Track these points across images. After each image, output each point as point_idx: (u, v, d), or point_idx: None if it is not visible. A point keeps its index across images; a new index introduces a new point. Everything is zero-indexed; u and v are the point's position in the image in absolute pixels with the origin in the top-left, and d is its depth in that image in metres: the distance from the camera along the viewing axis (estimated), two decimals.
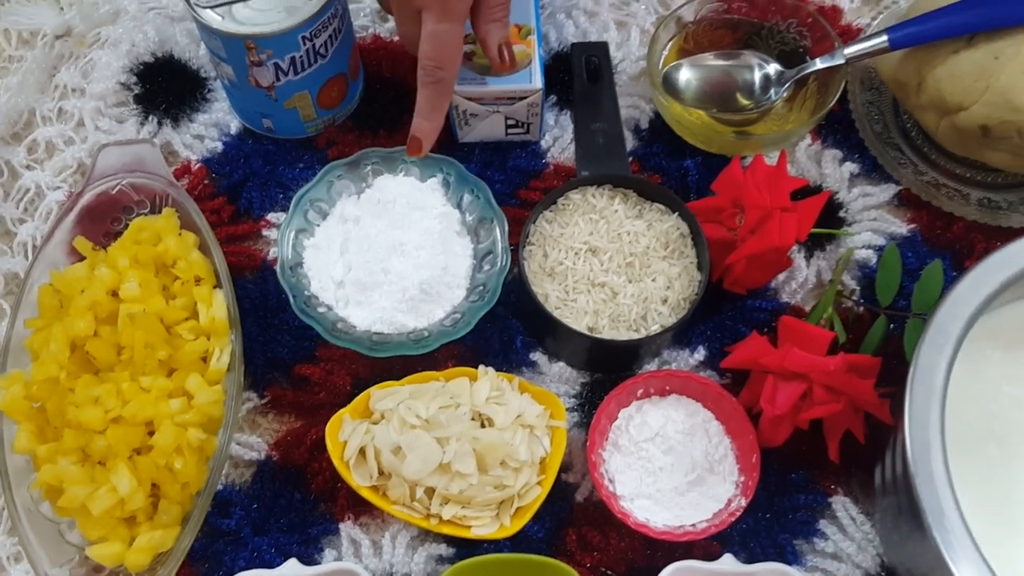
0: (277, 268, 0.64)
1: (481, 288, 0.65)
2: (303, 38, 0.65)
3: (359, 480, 0.59)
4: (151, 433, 0.59)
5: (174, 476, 0.58)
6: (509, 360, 0.66)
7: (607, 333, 0.63)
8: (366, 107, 0.75)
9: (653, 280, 0.64)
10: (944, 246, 0.69)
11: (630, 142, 0.74)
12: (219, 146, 0.73)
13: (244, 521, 0.61)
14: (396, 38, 0.78)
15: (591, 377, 0.66)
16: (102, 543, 0.57)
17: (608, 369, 0.66)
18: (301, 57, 0.66)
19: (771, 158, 0.70)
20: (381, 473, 0.59)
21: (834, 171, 0.72)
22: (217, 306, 0.62)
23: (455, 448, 0.58)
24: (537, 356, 0.66)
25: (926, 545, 0.48)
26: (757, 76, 0.72)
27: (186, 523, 0.58)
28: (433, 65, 0.62)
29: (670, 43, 0.73)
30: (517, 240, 0.65)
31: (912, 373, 0.51)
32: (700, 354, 0.66)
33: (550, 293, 0.64)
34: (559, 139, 0.73)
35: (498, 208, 0.66)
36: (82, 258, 0.66)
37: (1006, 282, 0.54)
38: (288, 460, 0.63)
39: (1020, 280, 0.55)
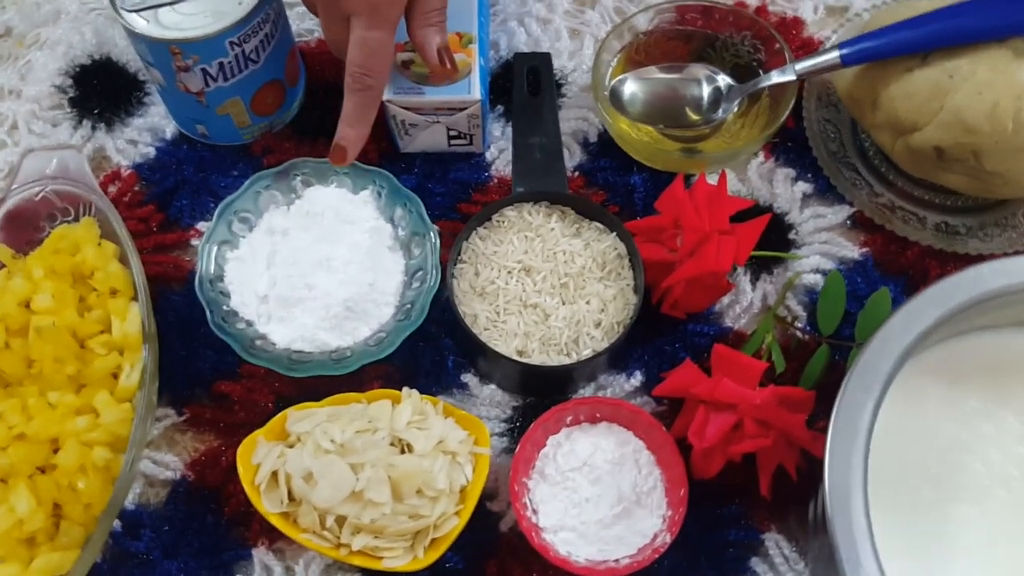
0: (196, 281, 0.62)
1: (409, 307, 0.63)
2: (231, 43, 0.62)
3: (268, 506, 0.57)
4: (56, 451, 0.57)
5: (77, 496, 0.56)
6: (440, 382, 0.64)
7: (536, 357, 0.60)
8: (307, 114, 0.73)
9: (587, 302, 0.61)
10: (897, 272, 0.67)
11: (577, 156, 0.71)
12: (152, 152, 0.71)
13: (154, 543, 0.59)
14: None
15: (523, 401, 0.64)
16: (0, 564, 0.55)
17: (540, 393, 0.64)
18: (230, 63, 0.64)
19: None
20: (292, 499, 0.57)
21: (786, 191, 0.69)
22: (131, 320, 0.60)
23: (369, 475, 0.55)
24: (468, 378, 0.64)
25: None
26: (706, 90, 0.69)
27: (87, 546, 0.56)
28: (361, 72, 0.60)
29: (619, 54, 0.70)
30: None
31: (835, 413, 0.48)
32: (637, 379, 0.64)
33: (479, 314, 0.61)
34: (504, 151, 0.71)
35: (431, 223, 0.64)
36: (3, 266, 0.64)
37: (942, 317, 0.51)
38: (203, 481, 0.61)
39: (959, 315, 0.52)
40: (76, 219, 0.66)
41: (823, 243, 0.68)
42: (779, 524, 0.60)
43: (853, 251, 0.67)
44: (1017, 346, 0.57)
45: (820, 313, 0.62)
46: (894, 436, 0.54)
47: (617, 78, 0.69)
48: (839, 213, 0.69)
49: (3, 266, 0.64)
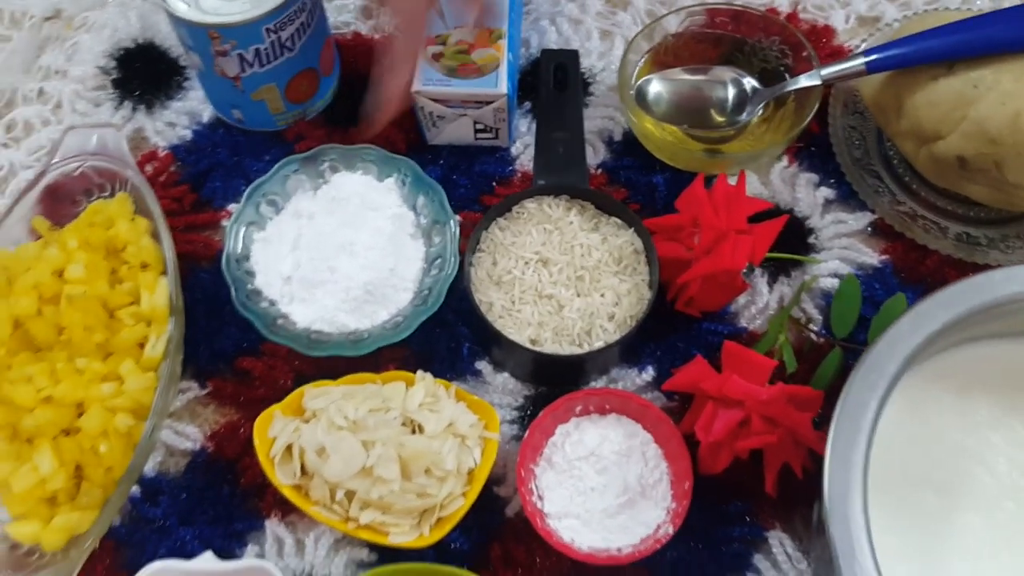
0: (223, 260, 0.64)
1: (427, 293, 0.64)
2: (267, 30, 0.64)
3: (282, 478, 0.58)
4: (81, 415, 0.59)
5: (98, 460, 0.58)
6: (455, 367, 0.65)
7: (549, 347, 0.61)
8: (340, 103, 0.75)
9: (601, 295, 0.62)
10: (916, 280, 0.67)
11: (601, 154, 0.72)
12: (189, 134, 0.74)
13: (171, 510, 0.61)
14: (377, 35, 0.78)
15: (535, 390, 0.65)
16: (21, 520, 0.57)
17: (552, 383, 0.64)
18: (266, 49, 0.66)
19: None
20: (305, 473, 0.58)
21: (808, 195, 0.70)
22: (159, 293, 0.62)
23: (379, 452, 0.57)
24: (483, 365, 0.65)
25: None
26: (731, 93, 0.70)
27: (105, 507, 0.58)
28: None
29: (647, 55, 0.71)
30: None
31: (839, 410, 0.49)
32: (648, 374, 0.64)
33: (495, 302, 0.63)
34: (529, 147, 0.72)
35: (451, 212, 0.66)
36: (41, 237, 0.66)
37: (953, 321, 0.51)
38: (221, 452, 0.63)
39: (971, 320, 0.52)
40: (112, 195, 0.68)
41: (843, 248, 0.68)
42: (783, 523, 0.60)
43: (873, 257, 0.67)
44: None
45: (834, 315, 0.62)
46: (900, 442, 0.54)
47: (644, 78, 0.70)
48: (860, 220, 0.69)
49: (40, 237, 0.66)
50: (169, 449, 0.64)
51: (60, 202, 0.68)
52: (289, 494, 0.58)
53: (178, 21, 0.64)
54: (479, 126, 0.70)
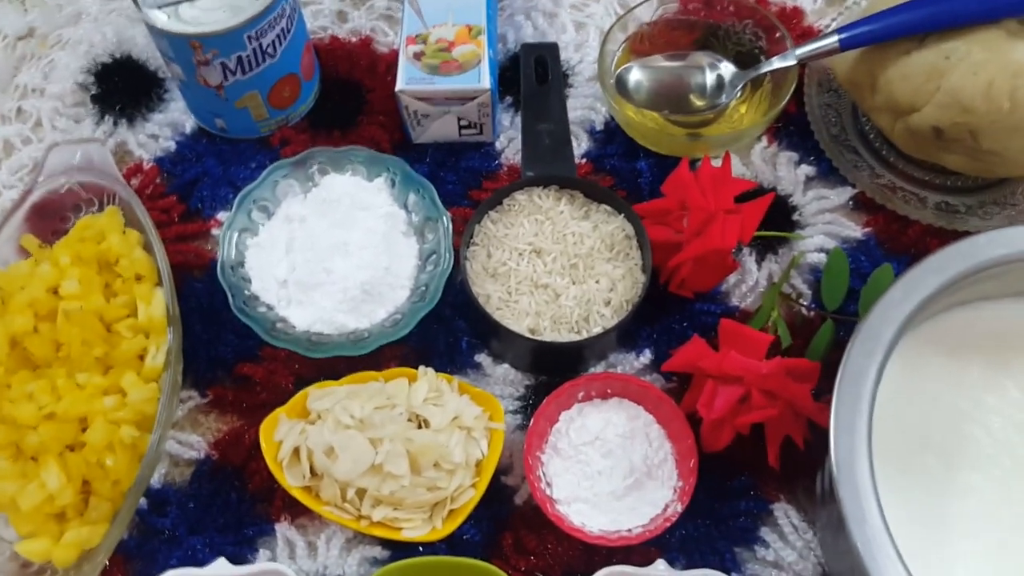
0: (218, 267, 0.64)
1: (423, 289, 0.64)
2: (248, 37, 0.65)
3: (291, 480, 0.59)
4: (85, 430, 0.58)
5: (105, 473, 0.58)
6: (454, 361, 0.66)
7: (548, 335, 0.62)
8: (321, 107, 0.75)
9: (596, 282, 0.63)
10: (900, 250, 0.68)
11: (585, 143, 0.73)
12: (172, 146, 0.74)
13: (179, 520, 0.61)
14: (354, 39, 0.78)
15: (536, 379, 0.65)
16: (31, 539, 0.57)
17: (552, 371, 0.65)
18: (248, 56, 0.66)
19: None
20: (314, 474, 0.59)
21: (789, 173, 0.71)
22: (156, 304, 0.62)
23: (388, 449, 0.57)
24: (482, 358, 0.66)
25: (852, 554, 0.47)
26: (709, 77, 0.71)
27: (115, 520, 0.58)
28: None
29: (623, 44, 0.72)
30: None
31: (840, 378, 0.50)
32: (646, 357, 0.65)
33: (492, 294, 0.63)
34: (514, 140, 0.73)
35: (443, 208, 0.66)
36: (30, 255, 0.66)
37: (943, 285, 0.52)
38: (227, 459, 0.63)
39: (959, 284, 0.53)
40: (101, 209, 0.68)
41: (826, 224, 0.69)
42: (788, 495, 0.61)
43: (856, 231, 0.69)
44: (1016, 316, 0.58)
45: (824, 288, 0.64)
46: (897, 407, 0.55)
47: (623, 67, 0.71)
48: (841, 194, 0.70)
49: (30, 255, 0.66)
50: (174, 459, 0.64)
51: (48, 219, 0.67)
52: (300, 496, 0.58)
53: (159, 33, 0.64)
54: (463, 122, 0.70)
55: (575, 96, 0.75)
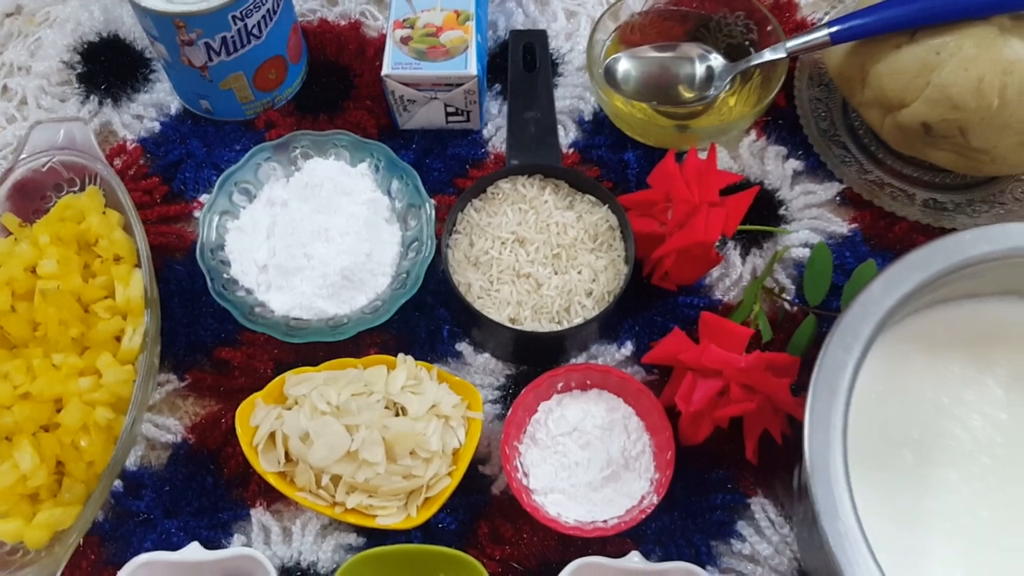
0: (197, 250, 0.63)
1: (405, 276, 0.64)
2: (233, 17, 0.64)
3: (266, 466, 0.58)
4: (60, 410, 0.58)
5: (79, 454, 0.57)
6: (435, 350, 0.65)
7: (528, 325, 0.62)
8: (308, 91, 0.75)
9: (579, 272, 0.63)
10: (885, 246, 0.68)
11: (573, 133, 0.73)
12: (157, 126, 0.73)
13: (155, 503, 0.61)
14: (343, 22, 0.78)
15: (516, 369, 0.65)
16: (2, 519, 0.56)
17: (533, 361, 0.65)
18: (232, 37, 0.65)
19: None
20: (289, 459, 0.58)
21: (776, 168, 0.70)
22: (134, 286, 0.62)
23: (364, 436, 0.57)
24: (463, 347, 0.65)
25: (825, 550, 0.47)
26: (699, 68, 0.70)
27: (88, 502, 0.57)
28: None
29: (614, 34, 0.72)
30: None
31: (816, 372, 0.50)
32: (627, 349, 0.65)
33: (473, 283, 0.63)
34: (501, 128, 0.73)
35: (426, 195, 0.66)
36: (11, 234, 0.65)
37: (924, 282, 0.52)
38: (203, 444, 0.63)
39: (941, 281, 0.53)
40: (82, 189, 0.67)
41: (813, 219, 0.69)
42: (765, 489, 0.61)
43: (842, 226, 0.68)
44: (998, 314, 0.58)
45: (807, 283, 0.63)
46: (877, 402, 0.55)
47: (612, 56, 0.70)
48: (829, 190, 0.70)
49: (10, 234, 0.65)
50: (150, 443, 0.63)
51: (29, 198, 0.67)
52: (274, 481, 0.58)
53: (143, 11, 0.64)
54: (450, 109, 0.70)
55: (564, 85, 0.75)
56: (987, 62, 0.60)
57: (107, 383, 0.59)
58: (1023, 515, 0.53)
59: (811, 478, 0.47)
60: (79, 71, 0.76)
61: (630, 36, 0.72)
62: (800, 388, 0.58)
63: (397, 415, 0.59)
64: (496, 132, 0.73)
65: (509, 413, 0.59)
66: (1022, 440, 0.55)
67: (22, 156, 0.67)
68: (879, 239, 0.68)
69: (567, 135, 0.72)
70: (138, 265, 0.63)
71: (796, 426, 0.59)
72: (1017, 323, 0.57)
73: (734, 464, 0.61)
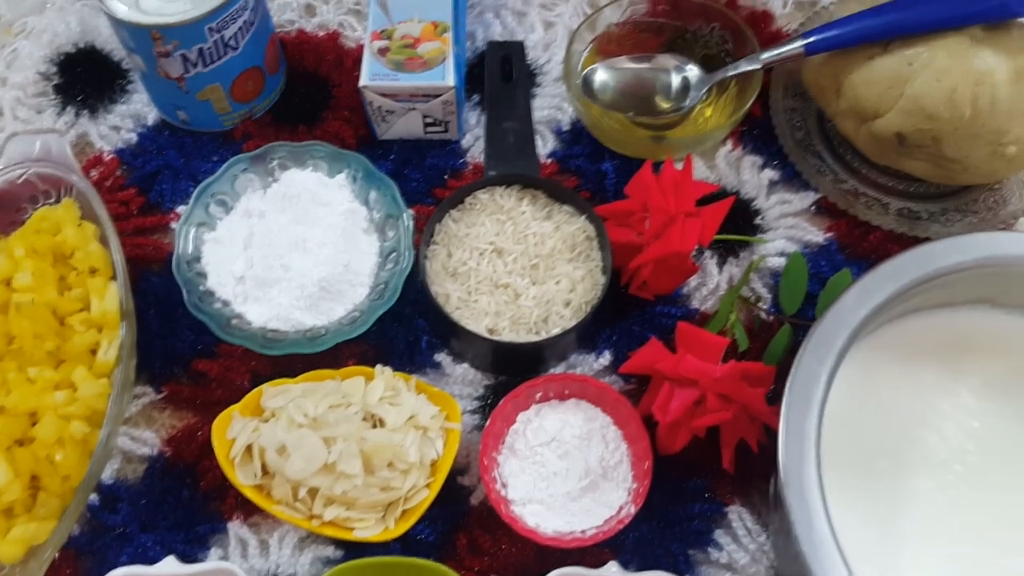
0: (173, 262, 0.63)
1: (383, 287, 0.64)
2: (210, 29, 0.64)
3: (243, 479, 0.58)
4: (35, 424, 0.58)
5: (55, 468, 0.57)
6: (414, 361, 0.65)
7: (507, 335, 0.62)
8: (287, 102, 0.75)
9: (557, 283, 0.63)
10: (860, 255, 0.68)
11: (551, 143, 0.73)
12: (134, 137, 0.73)
13: (131, 517, 0.60)
14: (321, 33, 0.78)
15: (495, 380, 0.65)
16: None
17: (511, 372, 0.65)
18: (209, 49, 0.65)
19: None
20: (266, 472, 0.58)
21: (753, 177, 0.71)
22: (109, 298, 0.61)
23: (341, 448, 0.57)
24: (441, 357, 0.65)
25: (799, 560, 0.47)
26: (675, 79, 0.71)
27: (63, 517, 0.57)
28: None
29: (591, 45, 0.72)
30: None
31: (790, 383, 0.50)
32: (606, 359, 0.65)
33: (451, 293, 0.63)
34: (480, 139, 0.73)
35: (404, 205, 0.66)
36: None
37: (897, 292, 0.53)
38: (180, 457, 0.62)
39: (914, 290, 0.54)
40: (58, 201, 0.67)
41: (789, 228, 0.69)
42: (742, 498, 0.61)
43: (818, 236, 0.69)
44: (971, 323, 0.58)
45: (782, 292, 0.64)
46: (851, 411, 0.55)
47: (589, 67, 0.71)
48: (804, 199, 0.70)
49: None
50: (127, 456, 0.63)
51: (4, 210, 0.67)
52: (251, 495, 0.58)
53: (119, 23, 0.64)
54: (428, 120, 0.70)
55: (542, 96, 0.75)
56: (960, 73, 0.61)
57: (82, 396, 0.58)
58: (996, 523, 0.54)
59: (785, 488, 0.48)
60: (55, 82, 0.75)
61: (607, 47, 0.73)
62: (776, 397, 0.58)
63: (375, 427, 0.59)
64: (475, 142, 0.73)
65: (488, 423, 0.59)
66: (995, 448, 0.55)
67: None
68: (854, 248, 0.68)
69: (545, 145, 0.73)
70: (114, 277, 0.63)
71: (772, 435, 0.59)
72: (989, 331, 0.58)
73: (711, 473, 0.61)
